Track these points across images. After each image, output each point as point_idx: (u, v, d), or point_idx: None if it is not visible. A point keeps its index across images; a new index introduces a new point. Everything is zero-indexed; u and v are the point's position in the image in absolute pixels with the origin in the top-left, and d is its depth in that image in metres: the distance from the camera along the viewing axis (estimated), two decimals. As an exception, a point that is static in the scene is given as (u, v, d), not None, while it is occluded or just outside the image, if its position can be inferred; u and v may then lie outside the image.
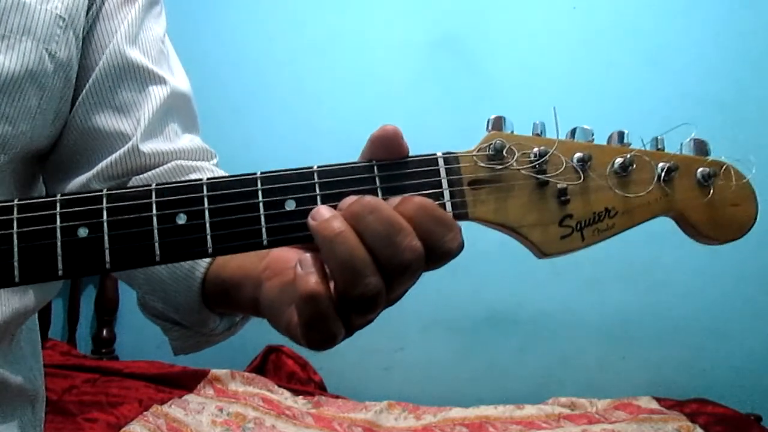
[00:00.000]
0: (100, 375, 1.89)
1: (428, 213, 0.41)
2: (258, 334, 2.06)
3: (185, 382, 1.93)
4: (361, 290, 0.39)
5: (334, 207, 0.42)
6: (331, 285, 0.40)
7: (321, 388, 2.11)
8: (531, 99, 1.94)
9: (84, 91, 0.65)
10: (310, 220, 0.41)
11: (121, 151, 0.65)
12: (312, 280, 0.40)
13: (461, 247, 0.41)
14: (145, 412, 1.67)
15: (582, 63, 2.16)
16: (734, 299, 2.08)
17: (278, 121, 2.27)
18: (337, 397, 2.04)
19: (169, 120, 0.69)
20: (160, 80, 0.68)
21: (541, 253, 0.45)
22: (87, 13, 0.65)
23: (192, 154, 0.70)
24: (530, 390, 2.07)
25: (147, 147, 0.66)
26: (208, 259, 0.59)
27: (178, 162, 0.67)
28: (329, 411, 1.89)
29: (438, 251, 0.41)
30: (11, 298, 0.63)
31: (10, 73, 0.58)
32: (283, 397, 1.95)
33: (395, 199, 0.42)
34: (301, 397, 1.97)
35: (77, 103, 0.66)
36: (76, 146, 0.67)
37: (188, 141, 0.70)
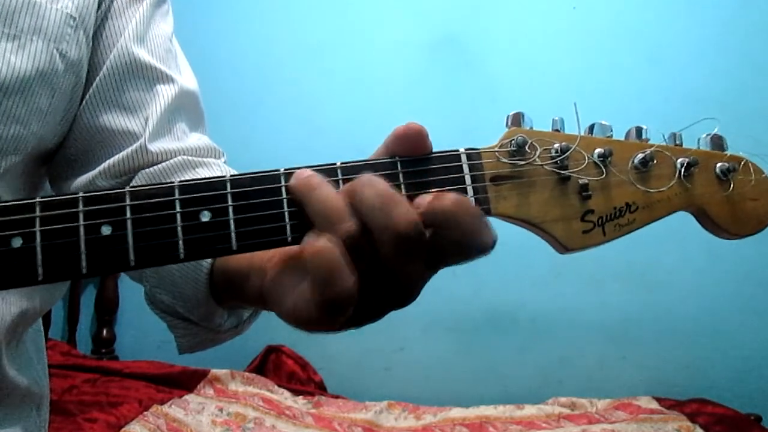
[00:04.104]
0: (100, 375, 1.88)
1: (466, 208, 0.42)
2: (258, 334, 2.06)
3: (185, 382, 1.92)
4: (337, 232, 0.40)
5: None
6: None
7: (321, 388, 2.11)
8: (531, 99, 1.94)
9: (91, 89, 0.65)
10: (291, 180, 0.43)
11: (129, 149, 0.65)
12: (321, 240, 0.40)
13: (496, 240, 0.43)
14: (145, 412, 1.66)
15: (582, 63, 2.17)
16: (734, 299, 2.09)
17: (278, 121, 2.27)
18: (337, 397, 2.04)
19: (177, 119, 0.69)
20: (167, 79, 0.68)
21: (564, 248, 0.45)
22: (97, 11, 0.64)
23: (200, 152, 0.69)
24: (530, 390, 2.07)
25: (155, 146, 0.65)
26: None
27: (185, 157, 0.67)
28: (329, 411, 1.88)
29: (478, 246, 0.41)
30: (19, 299, 0.63)
31: (22, 73, 0.57)
32: (283, 397, 1.95)
33: (427, 197, 0.42)
34: (301, 397, 1.97)
35: (85, 101, 0.65)
36: (82, 144, 0.66)
37: (196, 139, 0.70)
